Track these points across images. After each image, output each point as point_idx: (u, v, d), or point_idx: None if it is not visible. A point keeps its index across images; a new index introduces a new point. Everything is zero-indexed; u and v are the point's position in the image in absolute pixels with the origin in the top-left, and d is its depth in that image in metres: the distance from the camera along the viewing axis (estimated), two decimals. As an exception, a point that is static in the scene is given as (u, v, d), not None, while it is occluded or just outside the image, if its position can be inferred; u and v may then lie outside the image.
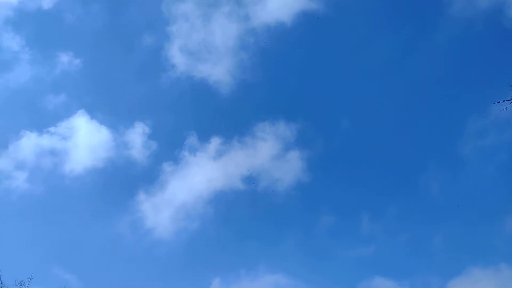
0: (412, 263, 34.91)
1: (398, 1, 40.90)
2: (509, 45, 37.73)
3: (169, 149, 39.41)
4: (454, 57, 39.69)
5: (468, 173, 37.05)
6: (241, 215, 38.06)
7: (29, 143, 37.54)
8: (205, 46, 40.80)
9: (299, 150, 38.77)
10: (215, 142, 38.74)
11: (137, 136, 38.93)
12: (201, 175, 38.13)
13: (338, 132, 39.86)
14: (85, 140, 38.51)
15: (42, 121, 39.02)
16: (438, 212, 36.46)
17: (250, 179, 37.58)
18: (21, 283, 21.20)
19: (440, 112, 38.94)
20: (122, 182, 38.71)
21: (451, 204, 36.44)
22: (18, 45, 39.72)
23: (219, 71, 40.11)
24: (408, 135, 39.26)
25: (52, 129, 38.04)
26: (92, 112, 39.01)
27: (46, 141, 37.88)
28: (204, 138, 39.05)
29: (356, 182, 38.26)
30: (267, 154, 38.46)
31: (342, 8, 40.96)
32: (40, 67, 40.22)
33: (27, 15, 40.40)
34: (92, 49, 41.73)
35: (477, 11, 38.12)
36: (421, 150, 38.47)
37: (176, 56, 40.50)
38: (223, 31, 40.61)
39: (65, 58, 39.97)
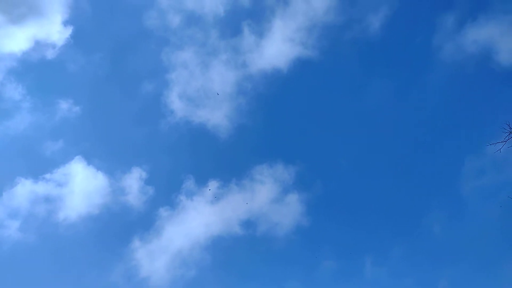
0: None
1: (388, 46, 42.33)
2: (498, 88, 39.08)
3: (166, 193, 38.98)
4: (446, 100, 40.54)
5: (470, 213, 36.65)
6: (239, 261, 37.09)
7: (24, 190, 37.19)
8: (204, 92, 41.76)
9: (298, 193, 38.58)
10: (212, 186, 38.49)
11: (134, 181, 38.67)
12: (198, 220, 37.57)
13: (336, 174, 39.81)
14: (81, 186, 38.22)
15: (39, 168, 38.65)
16: (442, 254, 35.65)
17: (248, 224, 37.09)
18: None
19: (437, 153, 39.19)
20: (118, 229, 37.92)
21: (455, 245, 35.75)
22: (20, 94, 40.27)
23: (217, 116, 40.76)
24: (407, 176, 39.18)
25: (48, 175, 37.88)
26: (89, 158, 39.00)
27: (41, 188, 37.57)
28: (202, 181, 38.82)
29: (357, 224, 37.62)
30: (266, 197, 38.17)
31: (335, 55, 42.55)
32: (40, 114, 40.60)
33: (30, 65, 41.38)
34: (92, 96, 42.38)
35: (467, 55, 39.66)
36: (421, 191, 38.29)
37: (175, 102, 41.22)
38: (221, 77, 41.80)
39: (64, 105, 40.48)
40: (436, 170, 38.59)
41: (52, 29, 41.24)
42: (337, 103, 42.00)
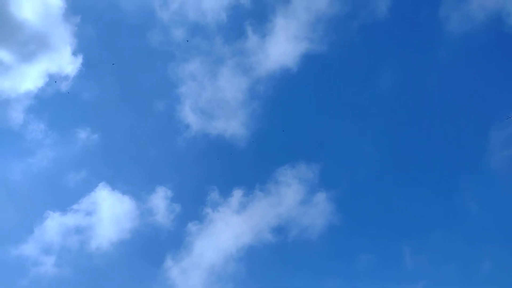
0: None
1: (397, 26, 41.33)
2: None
3: (192, 208, 38.63)
4: (460, 73, 39.28)
5: (503, 186, 35.19)
6: (275, 269, 36.08)
7: (54, 224, 37.26)
8: (216, 103, 41.48)
9: (326, 191, 37.55)
10: (237, 195, 37.95)
11: (160, 201, 38.46)
12: (227, 231, 36.99)
13: (361, 165, 38.70)
14: (109, 212, 38.17)
15: (65, 199, 38.73)
16: (481, 232, 34.24)
17: (279, 230, 36.19)
18: None
19: (460, 129, 37.95)
20: (150, 251, 37.63)
21: (493, 221, 34.33)
22: (41, 132, 40.63)
23: (233, 125, 40.33)
24: (433, 156, 37.91)
25: (75, 206, 37.89)
26: (113, 184, 38.93)
27: (70, 219, 37.58)
28: (226, 192, 38.34)
29: (391, 213, 36.42)
30: (293, 200, 37.30)
31: (344, 45, 41.69)
32: (60, 147, 40.93)
33: (47, 100, 41.67)
34: (108, 122, 42.60)
35: (475, 24, 38.30)
36: (450, 170, 36.97)
37: (189, 116, 41.05)
38: (231, 85, 41.43)
39: (83, 135, 40.80)
40: (462, 147, 37.36)
41: (63, 61, 41.55)
42: (352, 94, 41.21)
